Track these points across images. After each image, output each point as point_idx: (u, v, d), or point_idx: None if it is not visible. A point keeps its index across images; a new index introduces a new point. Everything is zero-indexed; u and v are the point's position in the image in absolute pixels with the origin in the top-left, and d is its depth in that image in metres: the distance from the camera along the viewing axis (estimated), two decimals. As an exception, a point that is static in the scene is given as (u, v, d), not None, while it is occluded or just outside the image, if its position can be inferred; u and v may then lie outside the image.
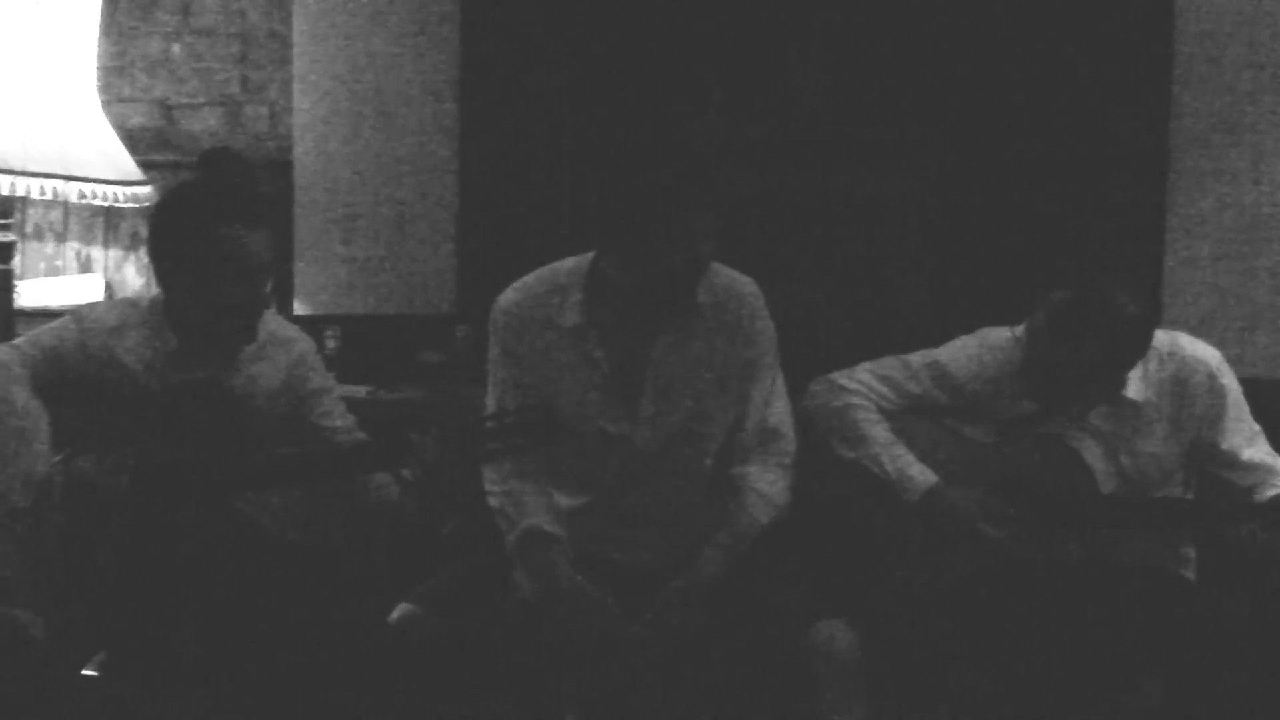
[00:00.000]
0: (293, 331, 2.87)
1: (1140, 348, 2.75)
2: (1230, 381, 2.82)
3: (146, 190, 3.76)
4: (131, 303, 2.87)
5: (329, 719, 2.55)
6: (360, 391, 3.59)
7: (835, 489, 2.90)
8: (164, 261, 2.71)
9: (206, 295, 2.66)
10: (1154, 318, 2.83)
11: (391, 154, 3.95)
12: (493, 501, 2.69)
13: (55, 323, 2.79)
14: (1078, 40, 3.72)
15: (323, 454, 2.79)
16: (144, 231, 4.04)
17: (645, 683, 2.57)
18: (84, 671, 2.60)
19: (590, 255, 2.69)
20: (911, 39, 3.79)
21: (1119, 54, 3.71)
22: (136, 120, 4.07)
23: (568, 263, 2.72)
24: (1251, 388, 2.88)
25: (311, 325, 3.44)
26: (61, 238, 4.12)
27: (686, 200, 2.52)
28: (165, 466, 2.63)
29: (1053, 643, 2.69)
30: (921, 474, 2.81)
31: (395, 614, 2.88)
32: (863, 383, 2.89)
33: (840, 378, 2.91)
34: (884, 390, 2.89)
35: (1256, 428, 2.84)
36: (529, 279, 2.74)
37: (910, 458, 2.83)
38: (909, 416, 2.90)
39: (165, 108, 4.10)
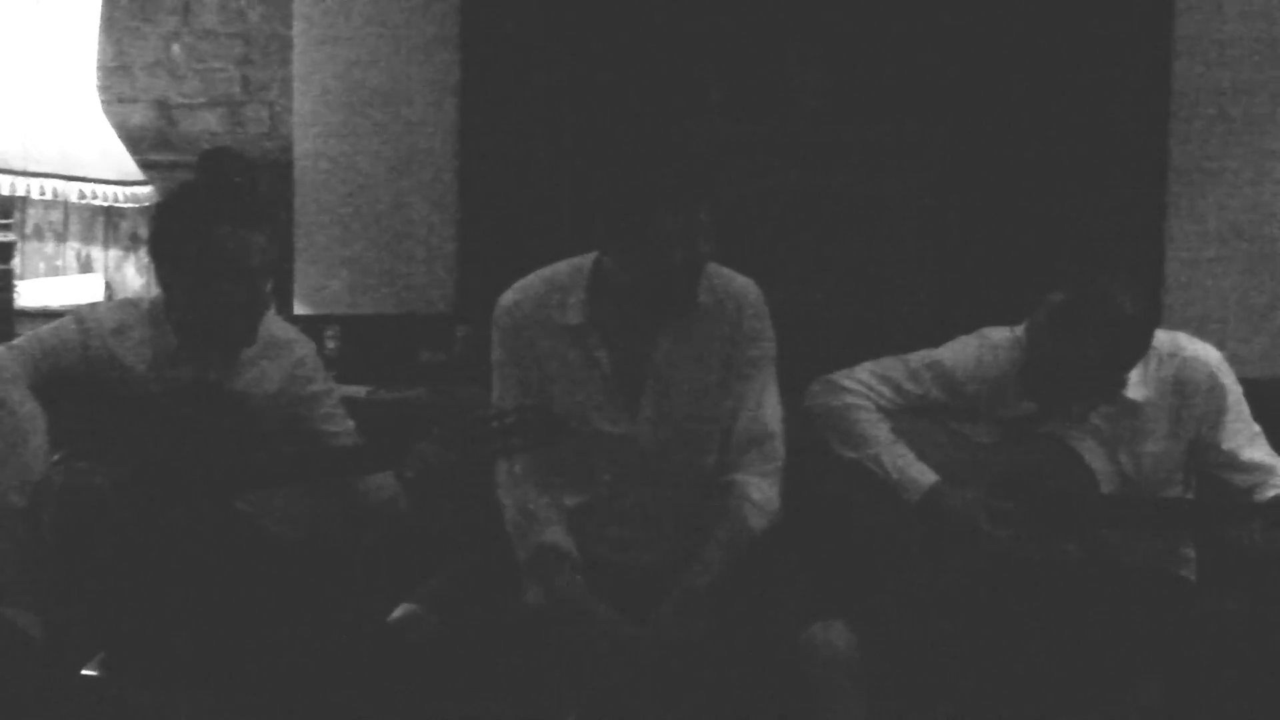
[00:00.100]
0: (293, 334, 2.87)
1: (1140, 347, 2.75)
2: (1231, 382, 2.82)
3: (146, 190, 3.76)
4: (132, 303, 2.87)
5: (329, 719, 2.54)
6: (360, 391, 3.58)
7: (835, 489, 2.90)
8: (164, 262, 2.72)
9: (206, 296, 2.66)
10: (1154, 317, 2.83)
11: (391, 154, 3.95)
12: (505, 501, 2.69)
13: (55, 323, 2.79)
14: (1078, 40, 3.72)
15: (323, 454, 2.79)
16: (144, 231, 4.04)
17: (646, 684, 2.57)
18: (84, 671, 2.60)
19: (592, 255, 2.69)
20: (911, 39, 3.79)
21: (1119, 54, 3.71)
22: (136, 120, 4.06)
23: (570, 262, 2.72)
24: (1251, 388, 2.88)
25: (311, 325, 3.45)
26: (61, 238, 4.12)
27: (686, 199, 2.52)
28: (165, 466, 2.63)
29: (1053, 643, 2.69)
30: (922, 474, 2.81)
31: (395, 614, 2.88)
32: (863, 382, 2.89)
33: (840, 377, 2.90)
34: (884, 390, 2.89)
35: (1257, 428, 2.84)
36: (531, 279, 2.74)
37: (911, 458, 2.83)
38: (909, 416, 2.90)
39: (165, 108, 4.10)
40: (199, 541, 2.60)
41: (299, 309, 3.94)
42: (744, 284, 2.72)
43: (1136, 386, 2.79)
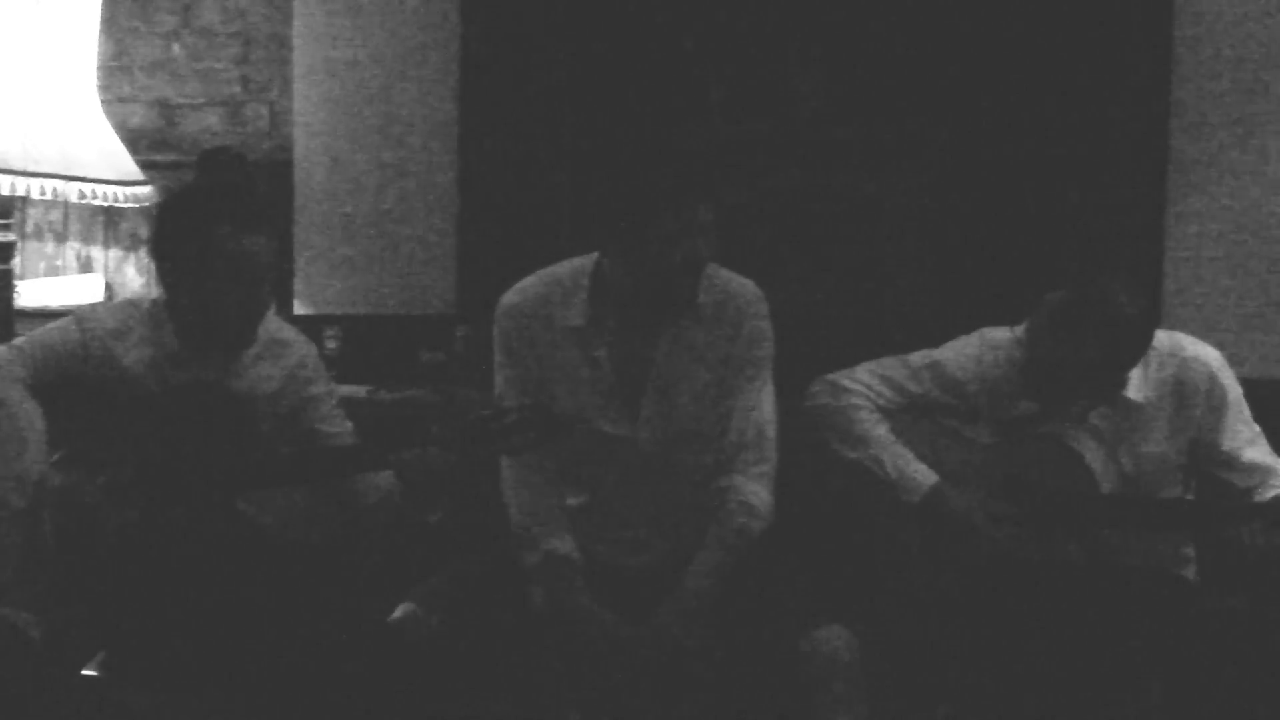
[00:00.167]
0: (293, 334, 2.87)
1: (1140, 347, 2.75)
2: (1231, 382, 2.82)
3: (146, 190, 3.76)
4: (133, 304, 2.87)
5: (329, 719, 2.54)
6: (360, 391, 3.59)
7: (835, 490, 2.90)
8: (165, 263, 2.73)
9: (206, 297, 2.66)
10: (1154, 318, 2.83)
11: (391, 154, 3.95)
12: (511, 504, 2.69)
13: (56, 323, 2.79)
14: (1078, 40, 3.72)
15: (322, 454, 2.79)
16: (144, 231, 4.04)
17: (646, 685, 2.56)
18: (84, 671, 2.60)
19: (594, 256, 2.69)
20: (911, 39, 3.79)
21: (1119, 54, 3.71)
22: (136, 120, 4.06)
23: (572, 263, 2.72)
24: (1252, 388, 2.88)
25: (311, 325, 3.45)
26: (61, 238, 4.12)
27: (685, 200, 2.52)
28: (165, 466, 2.63)
29: (1053, 643, 2.69)
30: (922, 475, 2.81)
31: (395, 614, 2.88)
32: (863, 383, 2.89)
33: (841, 378, 2.90)
34: (884, 390, 2.89)
35: (1257, 429, 2.84)
36: (533, 279, 2.74)
37: (911, 458, 2.83)
38: (909, 416, 2.90)
39: (165, 108, 4.10)
40: (199, 541, 2.60)
41: (299, 309, 3.94)
42: (745, 285, 2.72)
43: (1136, 387, 2.79)
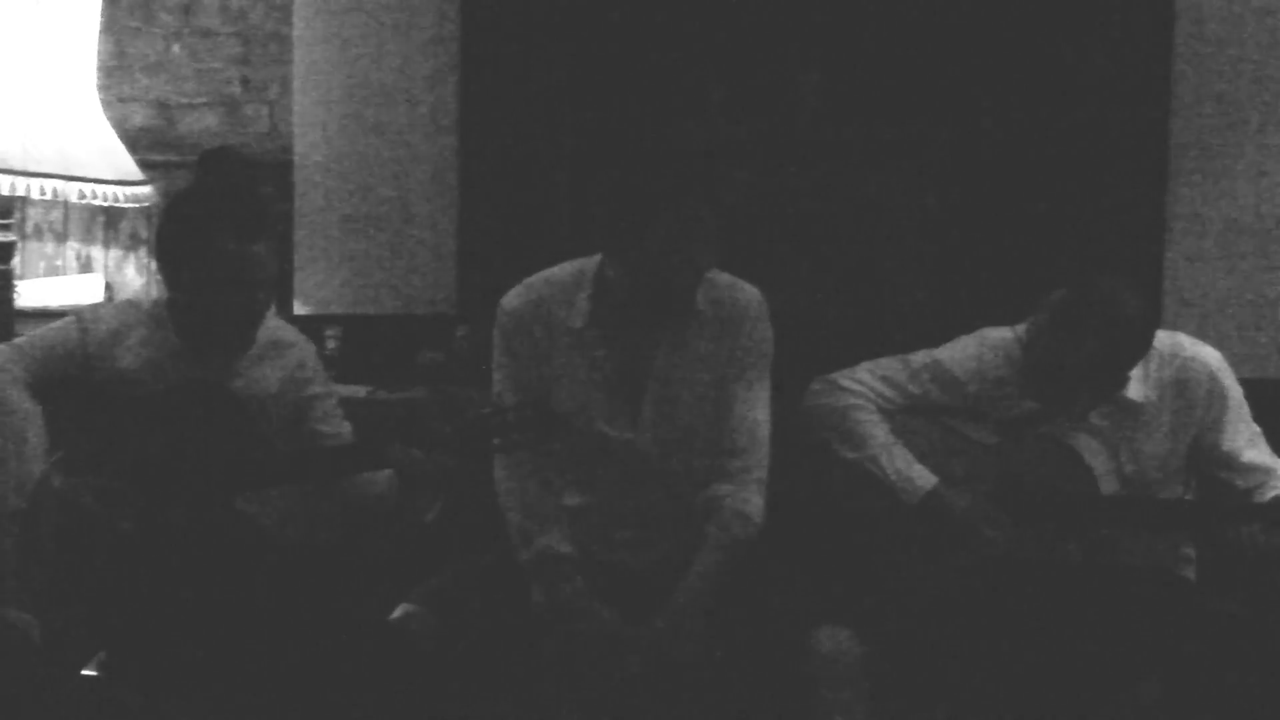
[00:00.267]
0: (293, 335, 2.87)
1: (1141, 346, 2.75)
2: (1231, 383, 2.82)
3: (146, 190, 3.76)
4: (133, 304, 2.88)
5: (329, 719, 2.54)
6: (360, 391, 3.58)
7: (835, 490, 2.90)
8: (166, 266, 2.73)
9: (205, 302, 2.67)
10: (1154, 317, 2.82)
11: (391, 154, 3.95)
12: (506, 502, 2.69)
13: (56, 323, 2.79)
14: (1078, 40, 3.72)
15: (322, 453, 2.79)
16: (144, 231, 4.05)
17: (646, 685, 2.56)
18: (84, 671, 2.60)
19: (598, 257, 2.68)
20: (912, 39, 3.79)
21: (1119, 54, 3.71)
22: (136, 120, 4.06)
23: (575, 264, 2.72)
24: (1252, 388, 2.88)
25: (311, 325, 3.45)
26: (61, 238, 4.12)
27: (684, 203, 2.51)
28: (165, 466, 2.63)
29: (1053, 643, 2.69)
30: (922, 475, 2.81)
31: (395, 614, 2.88)
32: (863, 383, 2.89)
33: (840, 378, 2.90)
34: (884, 390, 2.89)
35: (1257, 429, 2.84)
36: (536, 279, 2.73)
37: (910, 459, 2.82)
38: (909, 416, 2.90)
39: (165, 108, 4.10)
40: (199, 542, 2.60)
41: (299, 309, 3.94)
42: (747, 291, 2.71)
43: (1137, 387, 2.78)
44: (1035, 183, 3.76)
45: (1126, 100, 3.72)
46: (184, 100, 4.09)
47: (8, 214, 3.71)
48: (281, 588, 2.63)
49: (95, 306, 3.00)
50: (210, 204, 2.73)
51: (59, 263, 4.12)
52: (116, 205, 3.74)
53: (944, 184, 3.82)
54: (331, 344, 3.76)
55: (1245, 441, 2.81)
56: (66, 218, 4.11)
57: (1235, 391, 2.82)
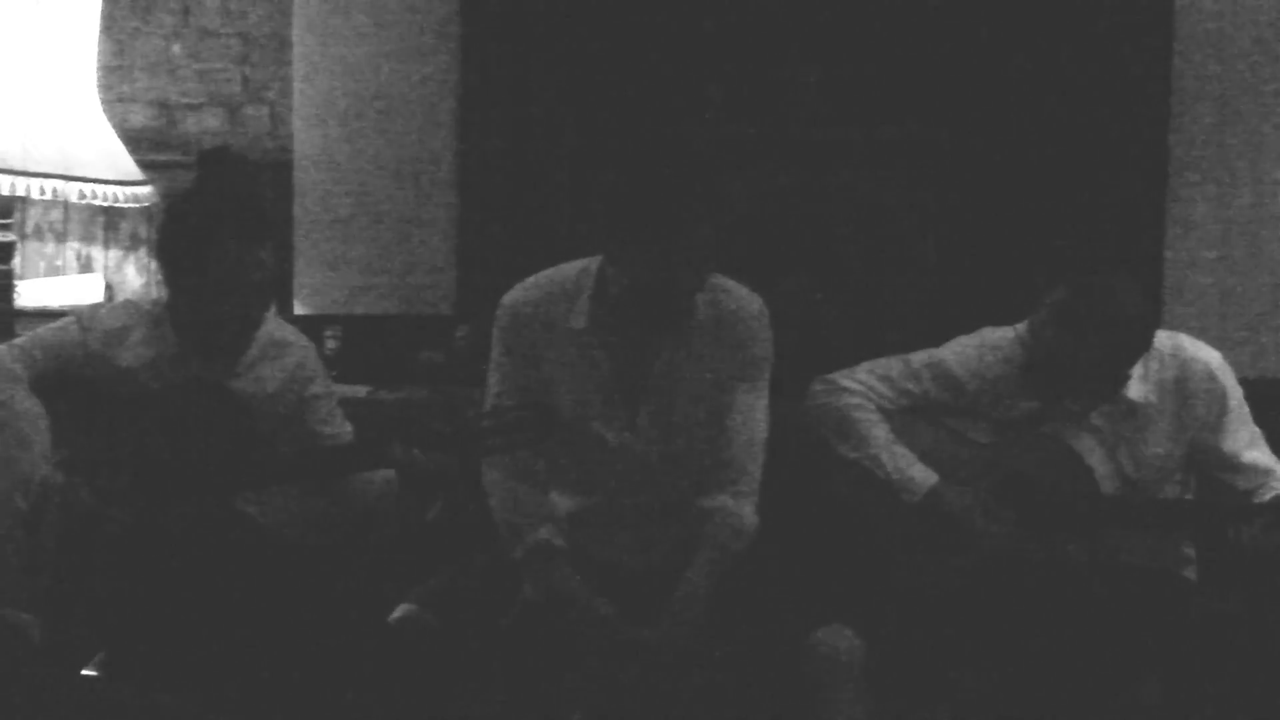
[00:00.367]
0: (293, 335, 2.87)
1: (1141, 345, 2.75)
2: (1231, 383, 2.82)
3: (146, 190, 3.76)
4: (134, 304, 2.88)
5: (329, 719, 2.54)
6: (360, 391, 3.58)
7: (836, 489, 2.90)
8: (166, 267, 2.74)
9: (205, 305, 2.67)
10: (1155, 315, 2.83)
11: (391, 154, 3.95)
12: (493, 502, 2.69)
13: (57, 323, 2.79)
14: (1078, 39, 3.72)
15: (321, 453, 2.79)
16: (144, 231, 4.04)
17: (649, 685, 2.56)
18: (84, 671, 2.60)
19: (599, 258, 2.68)
20: (911, 39, 3.79)
21: (1119, 53, 3.71)
22: (136, 120, 4.06)
23: (577, 264, 2.70)
24: (1252, 388, 2.88)
25: (311, 325, 3.46)
26: (61, 238, 4.12)
27: (682, 208, 2.50)
28: (165, 466, 2.63)
29: (1053, 643, 2.69)
30: (922, 475, 2.81)
31: (395, 614, 2.88)
32: (863, 382, 2.89)
33: (841, 377, 2.90)
34: (885, 390, 2.89)
35: (1257, 430, 2.84)
36: (537, 278, 2.72)
37: (911, 458, 2.82)
38: (909, 416, 2.90)
39: (165, 108, 4.10)
40: (199, 541, 2.60)
41: (299, 309, 3.94)
42: (748, 299, 2.69)
43: (1137, 387, 2.79)
44: (1035, 183, 3.76)
45: (1126, 100, 3.72)
46: (184, 100, 4.09)
47: (8, 214, 3.71)
48: (281, 588, 2.63)
49: (95, 306, 3.00)
50: (211, 205, 2.74)
51: (59, 263, 4.12)
52: (117, 205, 3.74)
53: (943, 184, 3.82)
54: (331, 344, 3.76)
55: (1245, 442, 2.81)
56: (66, 218, 4.11)
57: (1235, 392, 2.82)
